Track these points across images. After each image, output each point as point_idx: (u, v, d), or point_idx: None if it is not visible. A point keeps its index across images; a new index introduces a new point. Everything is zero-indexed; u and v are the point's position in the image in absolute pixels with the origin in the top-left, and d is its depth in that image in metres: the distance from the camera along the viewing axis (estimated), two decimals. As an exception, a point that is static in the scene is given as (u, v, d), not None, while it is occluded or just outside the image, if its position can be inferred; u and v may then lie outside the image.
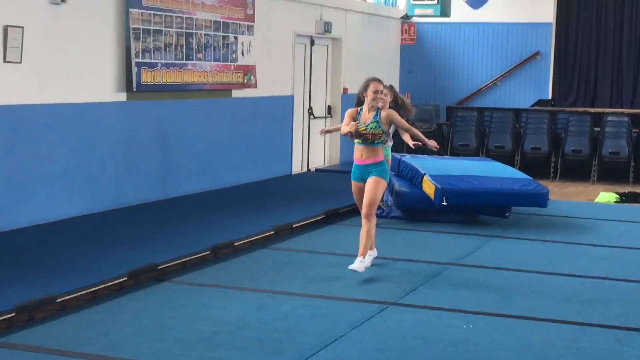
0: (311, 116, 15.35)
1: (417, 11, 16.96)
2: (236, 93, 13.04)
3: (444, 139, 17.35)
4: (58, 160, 9.71)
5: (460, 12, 18.06)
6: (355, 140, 7.80)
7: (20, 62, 9.16)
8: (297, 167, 15.09)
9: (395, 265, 8.58)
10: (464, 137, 17.38)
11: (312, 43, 15.43)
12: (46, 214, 9.53)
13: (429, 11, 16.80)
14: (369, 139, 7.70)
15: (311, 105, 15.27)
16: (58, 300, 6.72)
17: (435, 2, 16.66)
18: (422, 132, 9.33)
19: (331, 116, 16.02)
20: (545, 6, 18.17)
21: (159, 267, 7.93)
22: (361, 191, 7.83)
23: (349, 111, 7.95)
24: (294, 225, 10.22)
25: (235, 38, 12.76)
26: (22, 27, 9.15)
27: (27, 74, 9.27)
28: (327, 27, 15.32)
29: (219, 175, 12.64)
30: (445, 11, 16.95)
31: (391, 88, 8.11)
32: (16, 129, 9.15)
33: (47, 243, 8.70)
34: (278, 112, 14.32)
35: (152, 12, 10.97)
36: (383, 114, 7.75)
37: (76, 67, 9.96)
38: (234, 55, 12.75)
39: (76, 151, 9.97)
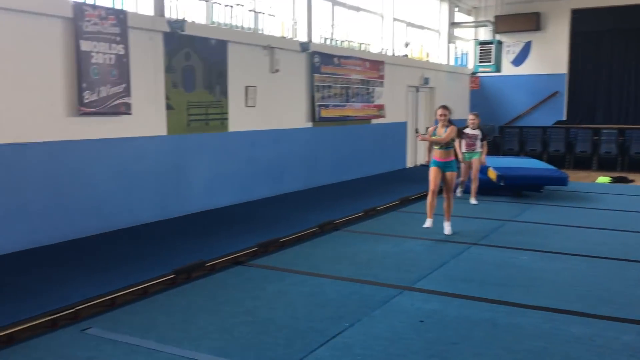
0: (416, 133, 15.07)
1: (481, 69, 16.44)
2: (374, 121, 13.03)
3: (498, 146, 16.80)
4: (271, 159, 10.03)
5: (508, 68, 17.52)
6: (434, 146, 7.52)
7: (254, 107, 9.53)
8: (409, 164, 14.96)
9: (473, 222, 8.48)
10: (510, 144, 16.84)
11: (417, 90, 15.26)
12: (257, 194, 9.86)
13: (488, 69, 16.28)
14: (442, 145, 7.43)
15: (417, 127, 15.07)
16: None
17: (492, 63, 16.09)
18: (487, 141, 9.84)
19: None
20: (561, 64, 17.41)
21: (335, 222, 8.07)
22: (437, 173, 7.47)
23: (429, 129, 7.73)
24: (410, 197, 10.21)
25: (373, 89, 12.78)
26: (255, 87, 9.51)
27: (257, 113, 9.64)
28: (426, 80, 15.14)
29: (366, 167, 12.72)
30: (498, 68, 16.43)
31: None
32: (253, 144, 9.54)
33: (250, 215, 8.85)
34: (397, 132, 14.26)
35: (326, 75, 11.16)
36: (449, 129, 7.40)
37: (285, 108, 10.28)
38: (372, 99, 12.78)
39: (283, 154, 10.28)
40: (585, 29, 17.26)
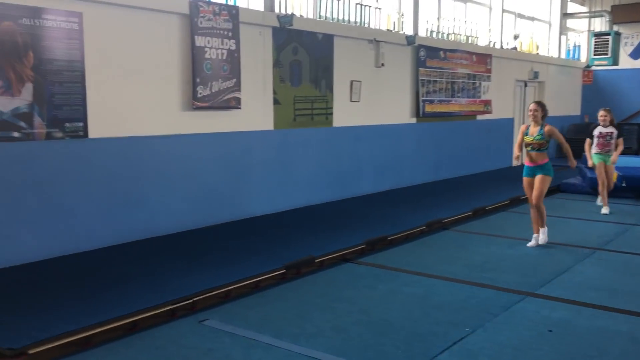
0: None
1: (596, 62, 15.34)
2: (479, 117, 12.52)
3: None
4: (374, 155, 9.86)
5: (625, 61, 16.26)
6: (526, 148, 6.67)
7: (359, 102, 9.40)
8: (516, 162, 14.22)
9: (593, 225, 7.92)
10: (628, 142, 15.51)
11: (525, 85, 14.52)
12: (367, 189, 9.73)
13: (604, 62, 15.17)
14: (535, 147, 6.58)
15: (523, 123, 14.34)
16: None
17: (609, 55, 14.98)
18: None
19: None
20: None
21: (443, 221, 7.79)
22: (530, 185, 6.71)
23: (522, 127, 6.82)
24: (521, 197, 9.68)
25: (480, 83, 12.28)
26: (360, 81, 9.38)
27: (362, 108, 9.50)
28: (535, 75, 14.39)
29: (470, 165, 12.26)
30: (615, 61, 15.26)
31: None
32: (357, 140, 9.41)
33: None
34: (504, 128, 13.65)
35: (431, 69, 10.84)
36: (546, 128, 6.51)
37: (389, 103, 10.07)
38: (478, 94, 12.29)
39: (386, 151, 10.08)
40: None
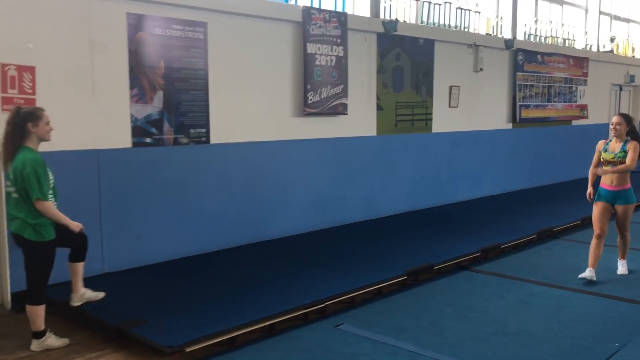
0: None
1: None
2: (574, 122, 12.12)
3: None
4: (471, 161, 9.71)
5: None
6: (604, 167, 5.59)
7: (457, 107, 9.30)
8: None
9: None
10: None
11: (620, 89, 13.95)
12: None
13: None
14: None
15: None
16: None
17: None
18: None
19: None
20: None
21: (553, 229, 7.58)
22: (604, 212, 5.63)
23: (599, 143, 5.81)
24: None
25: (576, 88, 11.89)
26: (459, 86, 9.27)
27: (460, 113, 9.38)
28: (631, 78, 13.78)
29: (564, 172, 11.88)
30: None
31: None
32: (454, 146, 9.30)
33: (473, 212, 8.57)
34: (599, 134, 13.06)
35: (528, 74, 10.59)
36: (630, 145, 5.49)
37: (485, 108, 9.91)
38: (574, 99, 11.90)
39: (483, 157, 9.91)
40: None
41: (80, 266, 4.25)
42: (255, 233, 6.63)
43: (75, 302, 4.32)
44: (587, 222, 8.17)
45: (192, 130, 6.08)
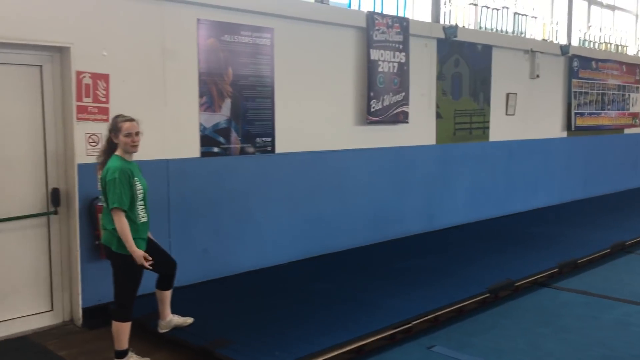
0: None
1: None
2: (627, 131, 11.76)
3: None
4: (527, 171, 9.39)
5: None
6: None
7: (514, 115, 9.02)
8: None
9: None
10: None
11: (670, 96, 13.48)
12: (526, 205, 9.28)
13: None
14: None
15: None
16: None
17: None
18: None
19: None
20: None
21: (626, 243, 7.26)
22: None
23: None
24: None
25: (629, 95, 11.55)
26: (516, 94, 9.00)
27: (516, 121, 9.11)
28: (682, 85, 13.32)
29: (617, 182, 11.51)
30: None
31: None
32: (511, 155, 9.02)
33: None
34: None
35: (583, 81, 10.28)
36: None
37: (541, 116, 9.63)
38: (627, 106, 11.55)
39: (538, 166, 9.62)
40: None
41: (167, 294, 4.07)
42: (318, 246, 6.40)
43: (163, 329, 4.13)
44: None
45: (258, 140, 5.89)
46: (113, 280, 3.77)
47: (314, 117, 6.39)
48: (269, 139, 5.98)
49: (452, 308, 4.90)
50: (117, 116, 3.83)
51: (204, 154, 5.46)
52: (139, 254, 3.66)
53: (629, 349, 4.18)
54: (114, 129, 3.79)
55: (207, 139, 5.48)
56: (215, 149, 5.55)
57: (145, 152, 4.95)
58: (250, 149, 5.83)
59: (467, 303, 5.04)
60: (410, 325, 4.49)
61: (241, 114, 5.72)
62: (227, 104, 5.61)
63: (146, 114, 4.99)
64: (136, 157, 4.88)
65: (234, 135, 5.68)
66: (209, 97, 5.47)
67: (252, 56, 5.76)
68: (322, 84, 6.43)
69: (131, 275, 3.72)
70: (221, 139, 5.59)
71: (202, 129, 5.43)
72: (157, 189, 5.11)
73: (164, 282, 4.01)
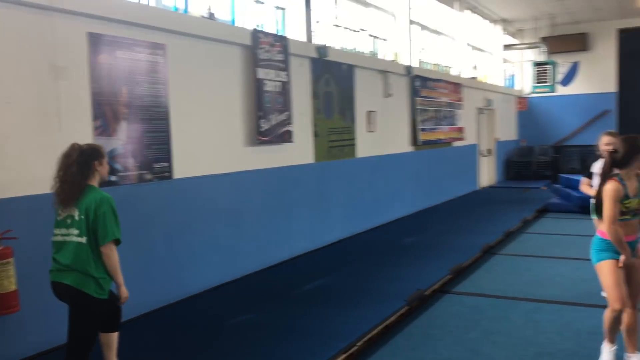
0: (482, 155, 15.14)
1: (538, 90, 16.49)
2: (455, 143, 13.01)
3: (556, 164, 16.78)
4: (387, 185, 9.87)
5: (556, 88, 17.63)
6: (623, 217, 3.78)
7: (374, 132, 9.44)
8: (479, 185, 14.88)
9: None
10: (571, 164, 16.76)
11: (481, 112, 15.27)
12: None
13: (546, 89, 16.35)
14: (639, 213, 3.87)
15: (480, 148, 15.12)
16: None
17: (550, 83, 16.20)
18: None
19: (490, 154, 15.79)
20: (610, 83, 17.58)
21: (490, 245, 7.91)
22: (626, 273, 3.85)
23: (611, 189, 3.72)
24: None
25: (455, 111, 12.80)
26: (376, 111, 9.43)
27: (377, 137, 9.54)
28: (489, 102, 15.22)
29: (447, 191, 12.64)
30: (553, 89, 16.49)
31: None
32: (374, 169, 9.41)
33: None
34: (470, 154, 14.33)
35: (424, 99, 11.14)
36: None
37: (394, 132, 10.22)
38: (455, 122, 12.78)
39: (393, 180, 10.17)
40: (633, 48, 17.54)
41: (114, 337, 3.45)
42: (219, 274, 6.01)
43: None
44: (510, 236, 8.75)
45: (155, 165, 5.35)
46: (75, 327, 3.26)
47: (208, 138, 6.01)
48: (167, 164, 5.47)
49: (382, 326, 4.85)
50: (92, 145, 3.54)
51: (101, 184, 4.78)
52: (125, 291, 3.39)
53: (554, 344, 4.52)
54: (100, 156, 3.48)
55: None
56: (113, 178, 4.91)
57: (38, 185, 4.22)
58: (148, 176, 5.27)
59: (393, 319, 5.06)
60: (353, 349, 4.37)
61: (137, 138, 5.15)
62: (122, 127, 5.01)
63: (38, 141, 4.28)
64: (30, 190, 4.18)
65: (130, 162, 5.09)
66: (104, 120, 4.84)
67: (146, 74, 5.24)
68: (214, 104, 6.09)
69: (97, 321, 3.31)
70: (118, 166, 4.97)
71: (98, 156, 4.75)
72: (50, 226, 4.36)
73: (109, 322, 3.42)
